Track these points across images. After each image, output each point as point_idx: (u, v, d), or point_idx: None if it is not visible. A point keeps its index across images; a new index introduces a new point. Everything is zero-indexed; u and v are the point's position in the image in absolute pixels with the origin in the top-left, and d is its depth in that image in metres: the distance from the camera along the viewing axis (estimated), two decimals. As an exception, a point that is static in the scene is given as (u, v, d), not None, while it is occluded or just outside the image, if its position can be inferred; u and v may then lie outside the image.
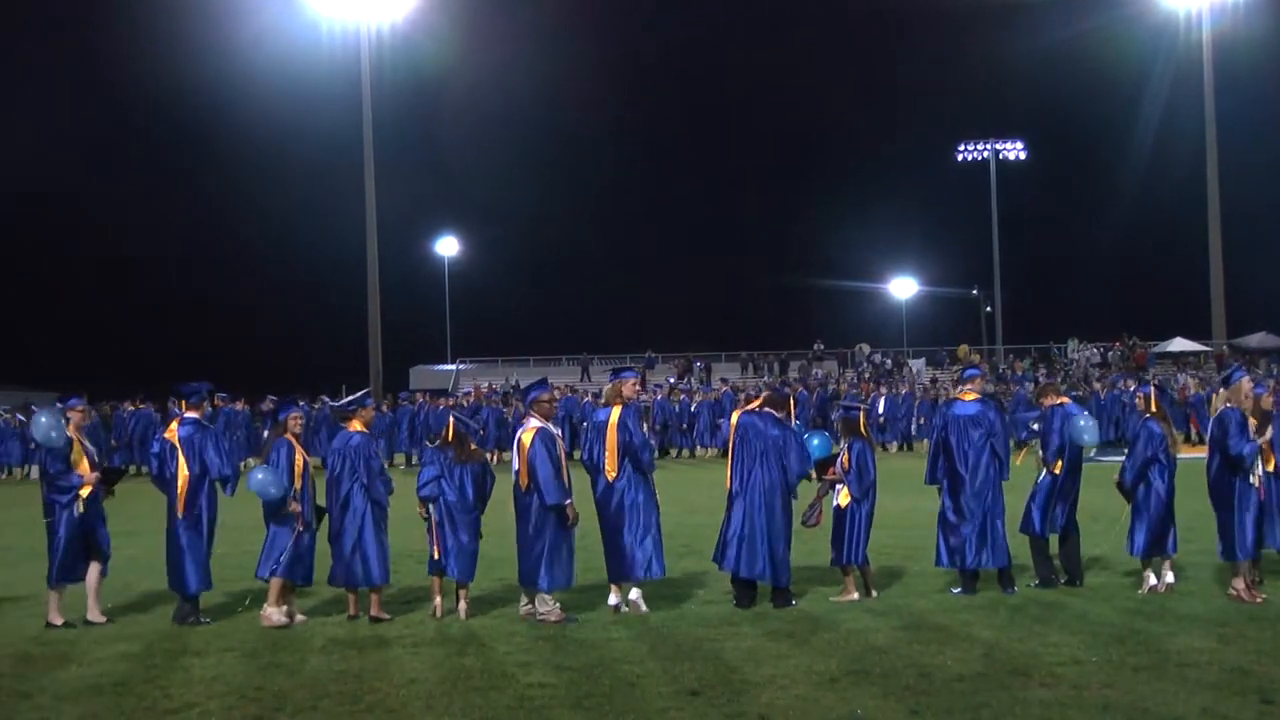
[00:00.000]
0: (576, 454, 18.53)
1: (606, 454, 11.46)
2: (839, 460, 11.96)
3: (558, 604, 11.19)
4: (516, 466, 11.31)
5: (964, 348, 56.49)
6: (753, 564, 11.40)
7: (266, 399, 32.44)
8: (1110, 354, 53.65)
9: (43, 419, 11.19)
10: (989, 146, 69.01)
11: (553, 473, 11.07)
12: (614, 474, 11.44)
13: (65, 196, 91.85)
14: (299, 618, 11.32)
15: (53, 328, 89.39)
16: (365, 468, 11.44)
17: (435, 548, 11.31)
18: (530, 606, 11.25)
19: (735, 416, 12.03)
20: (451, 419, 11.91)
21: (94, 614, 11.49)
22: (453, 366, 67.08)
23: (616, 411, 11.56)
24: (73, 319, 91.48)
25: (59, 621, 11.26)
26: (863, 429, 12.20)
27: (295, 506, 11.33)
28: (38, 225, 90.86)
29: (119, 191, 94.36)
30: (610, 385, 12.02)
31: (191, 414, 11.99)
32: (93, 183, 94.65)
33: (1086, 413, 12.80)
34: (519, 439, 11.39)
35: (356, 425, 11.80)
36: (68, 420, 11.44)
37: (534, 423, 11.38)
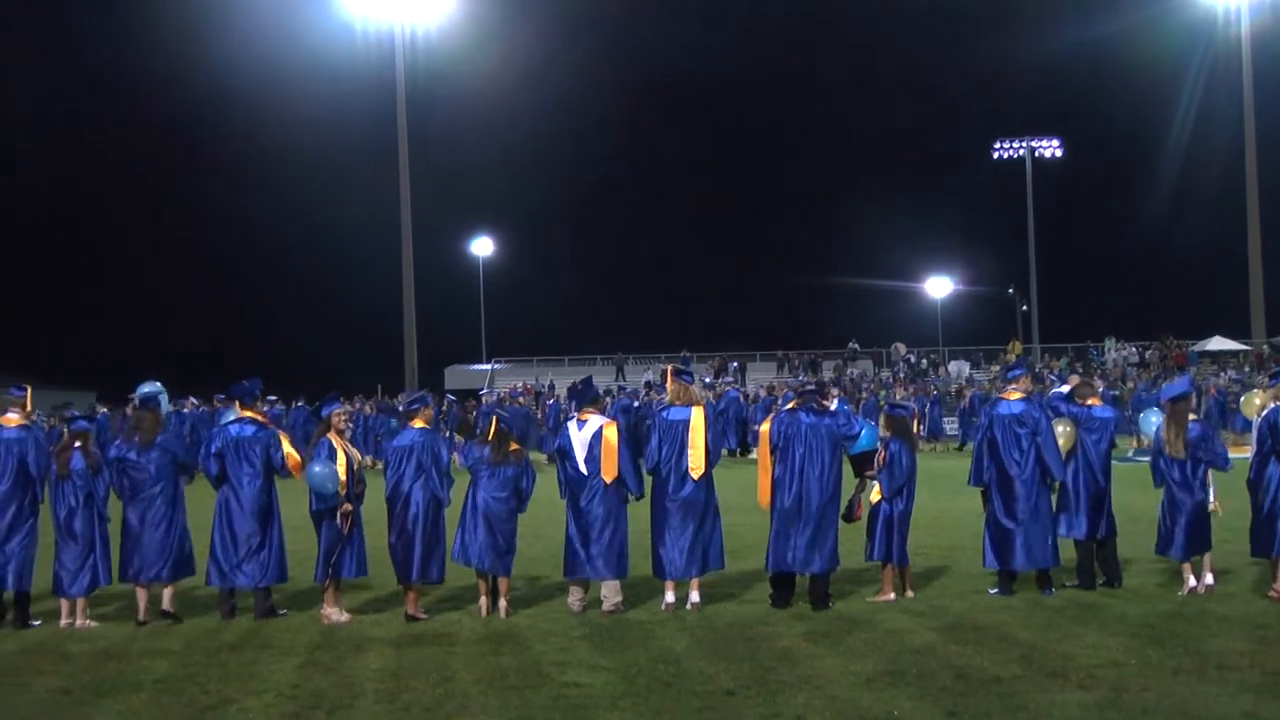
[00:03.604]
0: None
1: (691, 452, 11.53)
2: (876, 457, 11.93)
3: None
4: (584, 459, 11.50)
5: (1015, 345, 56.20)
6: (817, 562, 11.42)
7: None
8: (1148, 353, 53.29)
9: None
10: (1025, 144, 68.56)
11: (634, 464, 11.60)
12: (701, 472, 11.56)
13: (101, 195, 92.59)
14: (344, 616, 11.37)
15: (88, 328, 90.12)
16: (434, 464, 11.52)
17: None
18: (582, 599, 11.44)
19: (767, 424, 12.01)
20: (495, 418, 11.95)
21: (169, 605, 11.64)
22: (488, 366, 67.27)
23: (699, 412, 11.67)
24: (108, 319, 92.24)
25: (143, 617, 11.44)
26: (909, 430, 12.17)
27: (348, 507, 11.37)
28: (76, 224, 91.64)
29: (155, 192, 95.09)
30: (679, 385, 12.03)
31: (247, 413, 12.05)
32: (128, 183, 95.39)
33: (1157, 408, 12.68)
34: (600, 434, 11.56)
35: (419, 423, 11.84)
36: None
37: (600, 418, 11.70)
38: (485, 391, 41.71)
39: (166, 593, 11.67)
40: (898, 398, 32.43)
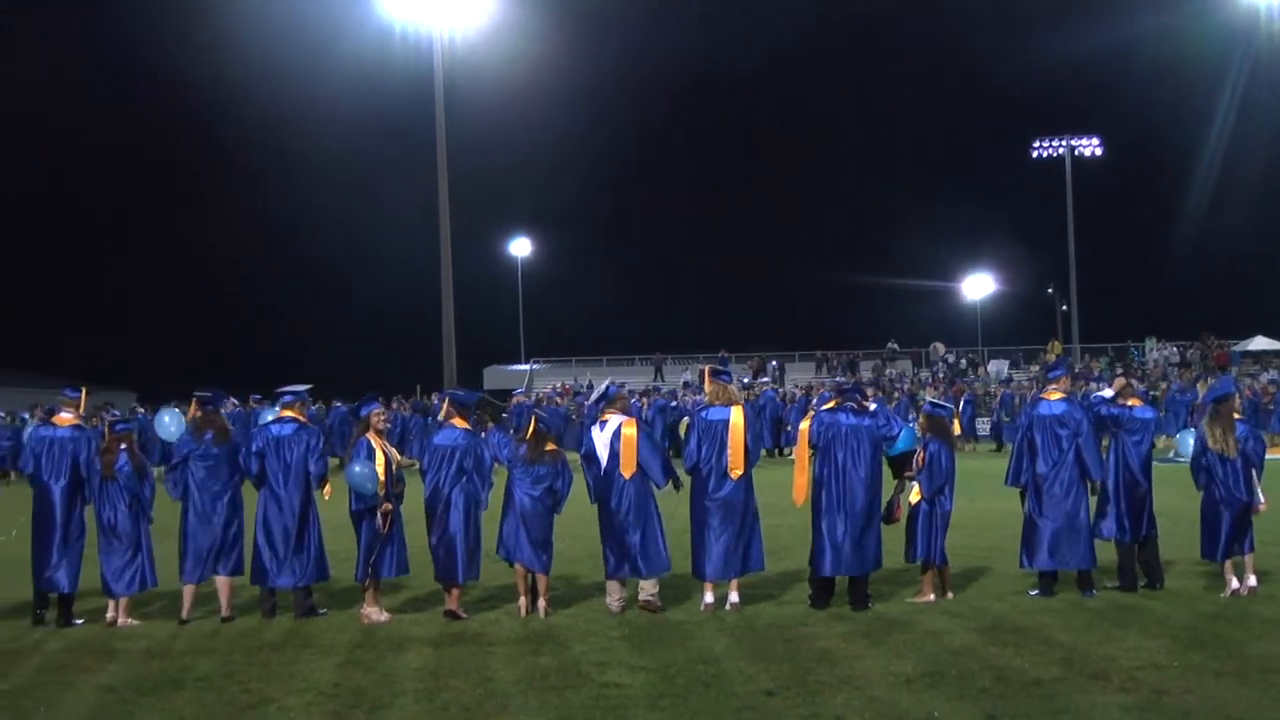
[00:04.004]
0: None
1: (730, 452, 11.54)
2: (915, 458, 11.91)
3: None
4: (607, 459, 11.56)
5: (1055, 345, 55.86)
6: (864, 563, 11.42)
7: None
8: (1189, 353, 52.88)
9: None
10: (1064, 143, 68.01)
11: (660, 457, 11.74)
12: (740, 471, 11.56)
13: (141, 195, 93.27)
14: (383, 616, 11.42)
15: (128, 329, 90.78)
16: (476, 468, 11.57)
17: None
18: (621, 598, 11.49)
19: (806, 422, 12.01)
20: (534, 417, 11.98)
21: (227, 608, 11.74)
22: (526, 366, 67.43)
23: (739, 411, 11.69)
24: (149, 319, 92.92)
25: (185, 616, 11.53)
26: (949, 430, 12.15)
27: (388, 506, 11.42)
28: (121, 225, 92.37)
29: (195, 193, 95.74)
30: (718, 385, 12.05)
31: (288, 413, 12.14)
32: (168, 184, 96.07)
33: (1193, 430, 12.65)
34: (619, 431, 11.62)
35: (460, 423, 11.89)
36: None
37: (620, 417, 11.73)
38: (520, 392, 41.77)
39: (225, 593, 11.77)
40: (927, 397, 32.28)
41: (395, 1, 45.78)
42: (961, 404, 37.27)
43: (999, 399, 37.81)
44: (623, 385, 14.60)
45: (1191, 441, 12.32)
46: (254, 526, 11.83)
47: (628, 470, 11.55)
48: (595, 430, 11.83)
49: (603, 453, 11.66)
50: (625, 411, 11.92)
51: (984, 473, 23.53)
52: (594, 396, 12.31)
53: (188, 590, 11.62)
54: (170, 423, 12.44)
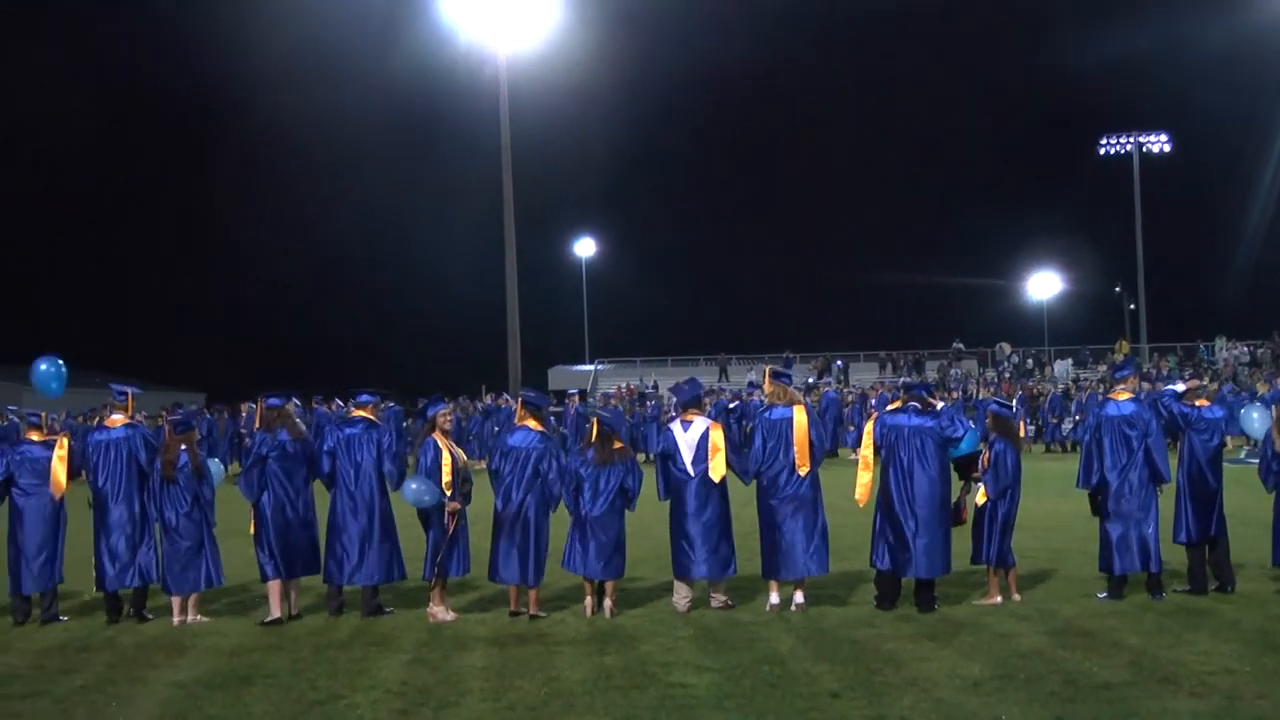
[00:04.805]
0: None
1: (796, 450, 11.55)
2: (980, 458, 11.83)
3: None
4: (691, 460, 11.62)
5: (1123, 344, 55.23)
6: (931, 565, 11.37)
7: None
8: (1260, 352, 52.09)
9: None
10: (1132, 139, 67.22)
11: (742, 460, 11.82)
12: (807, 468, 11.57)
13: (211, 200, 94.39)
14: (450, 615, 11.49)
15: (198, 331, 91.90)
16: (550, 468, 11.58)
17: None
18: (688, 598, 11.52)
19: (870, 424, 11.98)
20: (596, 419, 12.00)
21: (295, 607, 11.90)
22: (591, 367, 67.55)
23: (801, 410, 11.71)
24: (216, 321, 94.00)
25: (278, 615, 11.62)
26: (1014, 430, 12.06)
27: (455, 506, 11.48)
28: (187, 229, 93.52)
29: (264, 196, 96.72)
30: (779, 386, 12.07)
31: (360, 412, 12.24)
32: (238, 188, 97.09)
33: (1259, 403, 12.47)
34: (707, 434, 11.68)
35: (535, 424, 11.93)
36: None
37: (705, 420, 11.85)
38: (573, 393, 41.82)
39: (295, 591, 11.91)
40: (983, 397, 32.03)
41: (458, 13, 45.99)
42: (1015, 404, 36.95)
43: (1047, 400, 37.30)
44: (710, 388, 14.68)
45: (1256, 417, 12.17)
46: (326, 525, 11.94)
47: (717, 474, 11.61)
48: (678, 429, 11.84)
49: (686, 454, 11.68)
50: (707, 414, 12.04)
51: (1050, 473, 23.36)
52: (681, 397, 12.27)
53: (273, 588, 11.67)
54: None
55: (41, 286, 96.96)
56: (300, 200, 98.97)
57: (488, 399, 39.11)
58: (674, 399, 12.44)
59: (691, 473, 11.64)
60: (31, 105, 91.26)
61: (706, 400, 14.91)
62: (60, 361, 12.89)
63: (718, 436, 11.68)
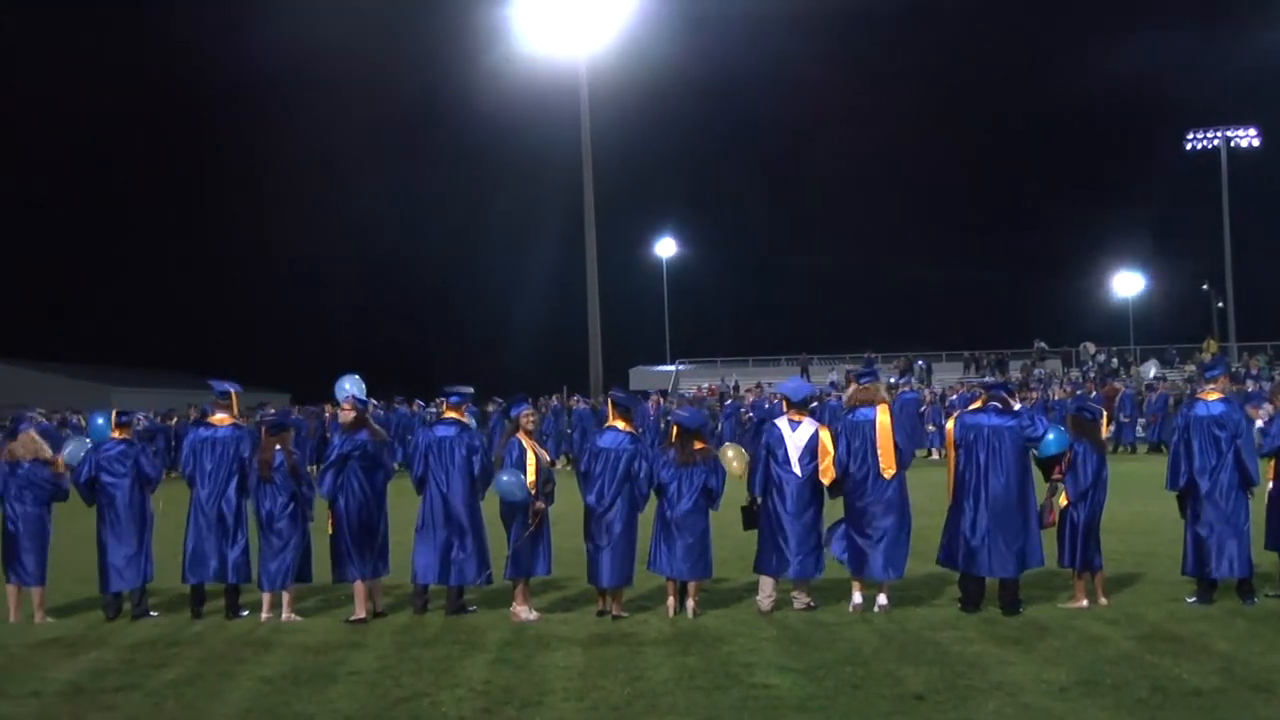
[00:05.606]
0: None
1: (880, 451, 11.52)
2: (1064, 461, 11.70)
3: None
4: (798, 459, 11.63)
5: (1211, 343, 54.30)
6: (1006, 564, 11.27)
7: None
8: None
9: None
10: (1219, 134, 66.02)
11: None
12: (893, 470, 11.54)
13: (294, 201, 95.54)
14: (533, 615, 11.54)
15: (284, 331, 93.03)
16: (644, 467, 11.61)
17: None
18: (772, 597, 11.53)
19: (952, 423, 11.91)
20: (674, 423, 11.99)
21: (379, 606, 12.02)
22: (672, 367, 67.53)
23: (885, 410, 11.69)
24: (304, 322, 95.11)
25: (363, 614, 11.73)
26: (1096, 432, 11.91)
27: (539, 506, 11.54)
28: (268, 231, 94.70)
29: (348, 199, 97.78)
30: (860, 387, 12.09)
31: (450, 414, 12.31)
32: (319, 188, 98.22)
33: None
34: (816, 436, 11.71)
35: (625, 425, 11.95)
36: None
37: (813, 422, 11.89)
38: (653, 394, 41.84)
39: (377, 591, 12.03)
40: (1058, 398, 31.61)
41: (538, 16, 46.25)
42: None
43: (1118, 399, 36.62)
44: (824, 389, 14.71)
45: None
46: (416, 526, 12.02)
47: (827, 477, 11.64)
48: (784, 427, 11.84)
49: (793, 452, 11.69)
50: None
51: (1136, 475, 23.05)
52: (794, 396, 12.24)
53: (358, 588, 11.78)
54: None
55: (122, 286, 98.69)
56: (381, 202, 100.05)
57: (553, 400, 39.18)
58: (769, 399, 12.47)
59: (799, 473, 11.65)
60: (121, 104, 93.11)
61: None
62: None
63: (827, 438, 11.69)
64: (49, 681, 9.52)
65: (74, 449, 12.78)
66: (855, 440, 11.65)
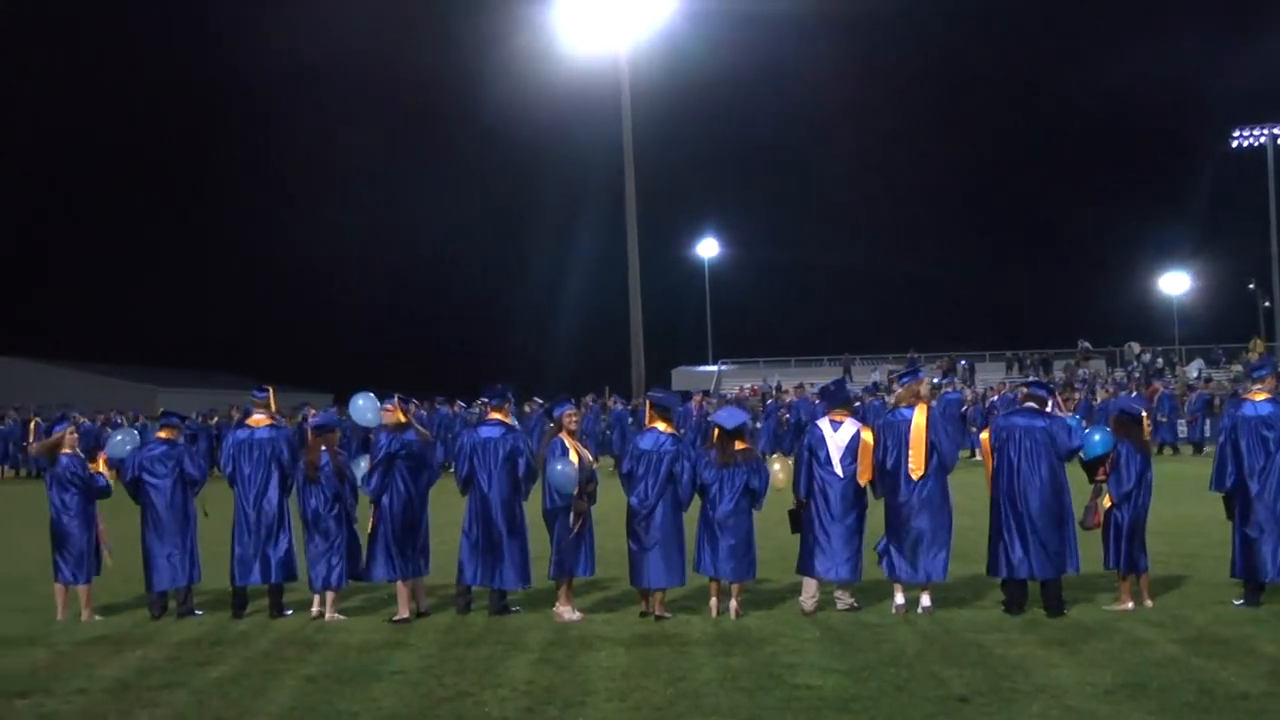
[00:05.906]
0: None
1: (911, 452, 11.49)
2: (1108, 462, 11.62)
3: None
4: (839, 459, 11.61)
5: (1258, 342, 53.75)
6: (1044, 567, 11.21)
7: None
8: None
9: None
10: (1266, 131, 65.32)
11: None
12: (921, 472, 11.48)
13: (322, 199, 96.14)
14: (576, 615, 11.55)
15: (327, 330, 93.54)
16: (686, 468, 11.59)
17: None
18: (815, 597, 11.52)
19: (986, 433, 11.89)
20: (714, 426, 11.97)
21: (422, 605, 12.09)
22: (714, 368, 67.50)
23: (922, 411, 11.65)
24: (348, 322, 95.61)
25: (406, 614, 11.77)
26: (1139, 432, 11.81)
27: (582, 506, 11.56)
28: (317, 235, 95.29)
29: (388, 200, 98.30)
30: (905, 387, 12.06)
31: (495, 415, 12.30)
32: (362, 187, 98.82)
33: None
34: (858, 436, 11.69)
35: (665, 426, 11.95)
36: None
37: (854, 422, 11.87)
38: (696, 394, 41.81)
39: (419, 590, 12.08)
40: (1102, 399, 31.34)
41: (580, 15, 46.30)
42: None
43: (1157, 399, 36.22)
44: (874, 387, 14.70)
45: None
46: (462, 526, 12.06)
47: (864, 477, 11.62)
48: (826, 427, 11.82)
49: (835, 453, 11.66)
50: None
51: (1181, 476, 22.87)
52: (832, 401, 12.22)
53: (400, 587, 11.83)
54: (365, 406, 12.59)
55: (167, 287, 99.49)
56: (423, 202, 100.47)
57: (590, 399, 39.17)
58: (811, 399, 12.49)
59: (841, 474, 11.62)
60: (169, 104, 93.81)
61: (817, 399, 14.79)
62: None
63: (869, 438, 11.67)
64: (96, 679, 9.61)
65: (120, 440, 12.94)
66: (889, 439, 11.63)
